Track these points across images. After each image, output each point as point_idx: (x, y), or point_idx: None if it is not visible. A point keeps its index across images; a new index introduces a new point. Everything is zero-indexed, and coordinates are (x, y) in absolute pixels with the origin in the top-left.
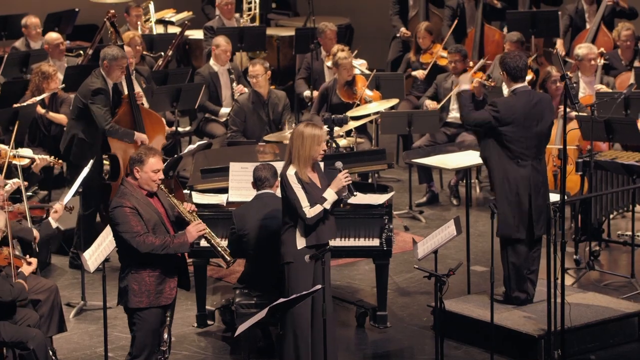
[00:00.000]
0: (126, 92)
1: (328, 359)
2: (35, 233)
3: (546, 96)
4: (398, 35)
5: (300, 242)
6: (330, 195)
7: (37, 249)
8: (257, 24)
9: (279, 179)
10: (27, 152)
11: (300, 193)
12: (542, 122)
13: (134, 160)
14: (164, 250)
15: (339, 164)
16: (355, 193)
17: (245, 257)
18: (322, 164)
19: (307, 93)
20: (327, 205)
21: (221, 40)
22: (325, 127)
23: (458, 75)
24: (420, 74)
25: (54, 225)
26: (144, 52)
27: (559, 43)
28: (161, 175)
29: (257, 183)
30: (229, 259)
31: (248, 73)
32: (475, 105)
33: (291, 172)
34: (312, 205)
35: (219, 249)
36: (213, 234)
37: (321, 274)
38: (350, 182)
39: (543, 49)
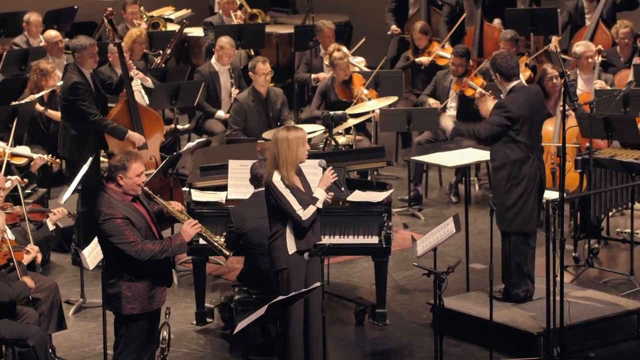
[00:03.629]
0: (116, 77)
1: (319, 357)
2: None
3: (537, 88)
4: (389, 33)
5: (292, 247)
6: (320, 194)
7: None
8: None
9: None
10: (24, 150)
11: (291, 197)
12: (541, 114)
13: (116, 167)
14: (163, 254)
15: (322, 162)
16: (342, 188)
17: (244, 255)
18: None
19: (314, 76)
20: (319, 204)
21: (226, 43)
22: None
23: (457, 78)
24: (425, 60)
25: (51, 227)
26: (144, 50)
27: (554, 39)
28: (144, 178)
29: (255, 181)
30: (227, 253)
31: (256, 70)
32: (475, 116)
33: (277, 178)
34: (304, 207)
35: (216, 244)
36: (208, 230)
37: (314, 273)
38: (337, 178)
39: (543, 46)
